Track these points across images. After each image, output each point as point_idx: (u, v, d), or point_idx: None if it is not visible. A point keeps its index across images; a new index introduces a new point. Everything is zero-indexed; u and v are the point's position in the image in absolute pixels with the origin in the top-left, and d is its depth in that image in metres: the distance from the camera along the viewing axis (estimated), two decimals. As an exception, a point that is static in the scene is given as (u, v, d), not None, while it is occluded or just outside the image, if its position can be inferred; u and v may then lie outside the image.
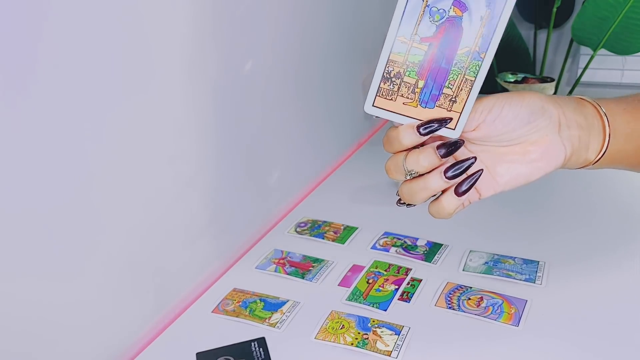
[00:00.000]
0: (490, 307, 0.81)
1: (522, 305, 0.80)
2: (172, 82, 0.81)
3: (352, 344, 0.76)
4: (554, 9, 1.75)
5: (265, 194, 1.08)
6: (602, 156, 0.53)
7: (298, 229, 1.06)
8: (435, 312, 0.81)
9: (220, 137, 0.93)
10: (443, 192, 0.53)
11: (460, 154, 0.52)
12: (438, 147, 0.50)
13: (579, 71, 1.96)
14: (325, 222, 1.08)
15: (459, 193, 0.52)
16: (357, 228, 1.05)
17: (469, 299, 0.83)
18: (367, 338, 0.77)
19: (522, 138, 0.51)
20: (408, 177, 0.52)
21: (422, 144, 0.52)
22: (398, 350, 0.74)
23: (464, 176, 0.51)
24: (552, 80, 1.46)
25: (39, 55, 0.59)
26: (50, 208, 0.65)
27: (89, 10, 0.64)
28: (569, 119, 0.51)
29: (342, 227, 1.05)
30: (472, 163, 0.50)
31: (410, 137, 0.50)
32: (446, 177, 0.50)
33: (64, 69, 0.62)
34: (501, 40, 0.49)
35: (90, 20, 0.64)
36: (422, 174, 0.51)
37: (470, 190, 0.52)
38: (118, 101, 0.71)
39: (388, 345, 0.75)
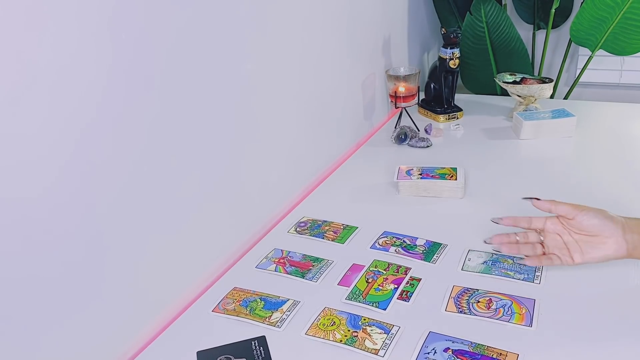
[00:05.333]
0: (501, 309, 0.80)
1: (531, 305, 0.80)
2: (172, 83, 0.81)
3: (340, 340, 0.76)
4: (553, 10, 1.76)
5: (265, 194, 1.09)
6: None
7: (298, 229, 1.07)
8: (446, 317, 0.80)
9: (220, 138, 0.93)
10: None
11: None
12: None
13: (578, 72, 1.97)
14: (325, 221, 1.08)
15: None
16: (356, 228, 1.05)
17: (478, 301, 0.82)
18: (357, 336, 0.77)
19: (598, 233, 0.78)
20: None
21: None
22: (385, 349, 0.75)
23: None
24: (550, 80, 1.46)
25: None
26: (50, 209, 0.66)
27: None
28: (631, 226, 0.77)
29: (341, 227, 1.06)
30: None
31: None
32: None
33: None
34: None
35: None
36: None
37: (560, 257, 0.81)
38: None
39: (376, 344, 0.75)
